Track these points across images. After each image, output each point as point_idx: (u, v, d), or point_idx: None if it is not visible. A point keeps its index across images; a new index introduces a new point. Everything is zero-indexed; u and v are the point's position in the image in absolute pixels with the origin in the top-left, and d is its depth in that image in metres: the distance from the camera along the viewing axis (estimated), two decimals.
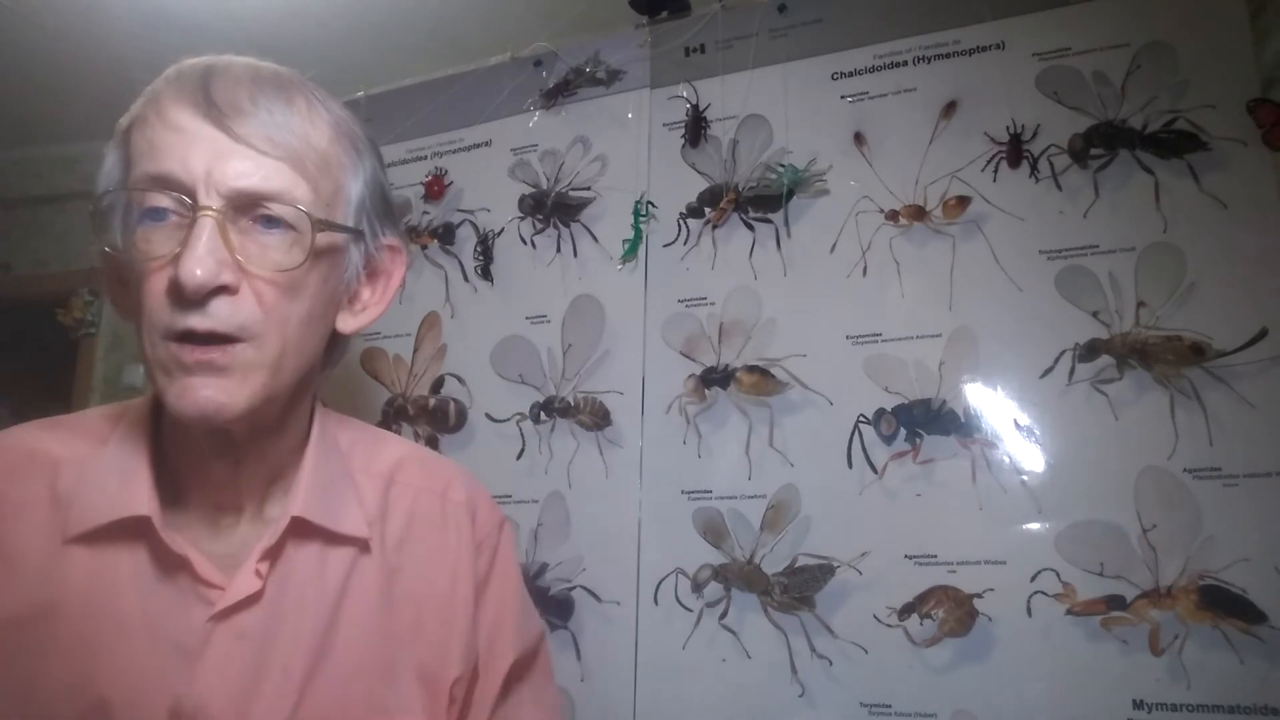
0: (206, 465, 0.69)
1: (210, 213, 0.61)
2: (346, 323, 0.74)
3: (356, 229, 0.71)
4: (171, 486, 0.70)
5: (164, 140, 0.63)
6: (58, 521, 0.66)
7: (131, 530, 0.66)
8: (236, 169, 0.63)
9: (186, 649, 0.64)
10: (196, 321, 0.61)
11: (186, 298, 0.61)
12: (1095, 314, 1.00)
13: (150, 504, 0.66)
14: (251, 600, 0.67)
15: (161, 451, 0.71)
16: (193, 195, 0.62)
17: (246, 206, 0.63)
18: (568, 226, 1.32)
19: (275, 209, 0.64)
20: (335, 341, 0.76)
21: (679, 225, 1.25)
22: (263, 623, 0.67)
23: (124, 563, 0.66)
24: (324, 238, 0.66)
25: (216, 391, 0.62)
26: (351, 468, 0.76)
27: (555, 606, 1.18)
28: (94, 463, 0.69)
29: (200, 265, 0.60)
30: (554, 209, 1.33)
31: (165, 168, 0.62)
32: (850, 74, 1.19)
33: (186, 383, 0.62)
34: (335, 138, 0.69)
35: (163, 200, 0.63)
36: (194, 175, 0.62)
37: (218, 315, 0.62)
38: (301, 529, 0.70)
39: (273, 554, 0.69)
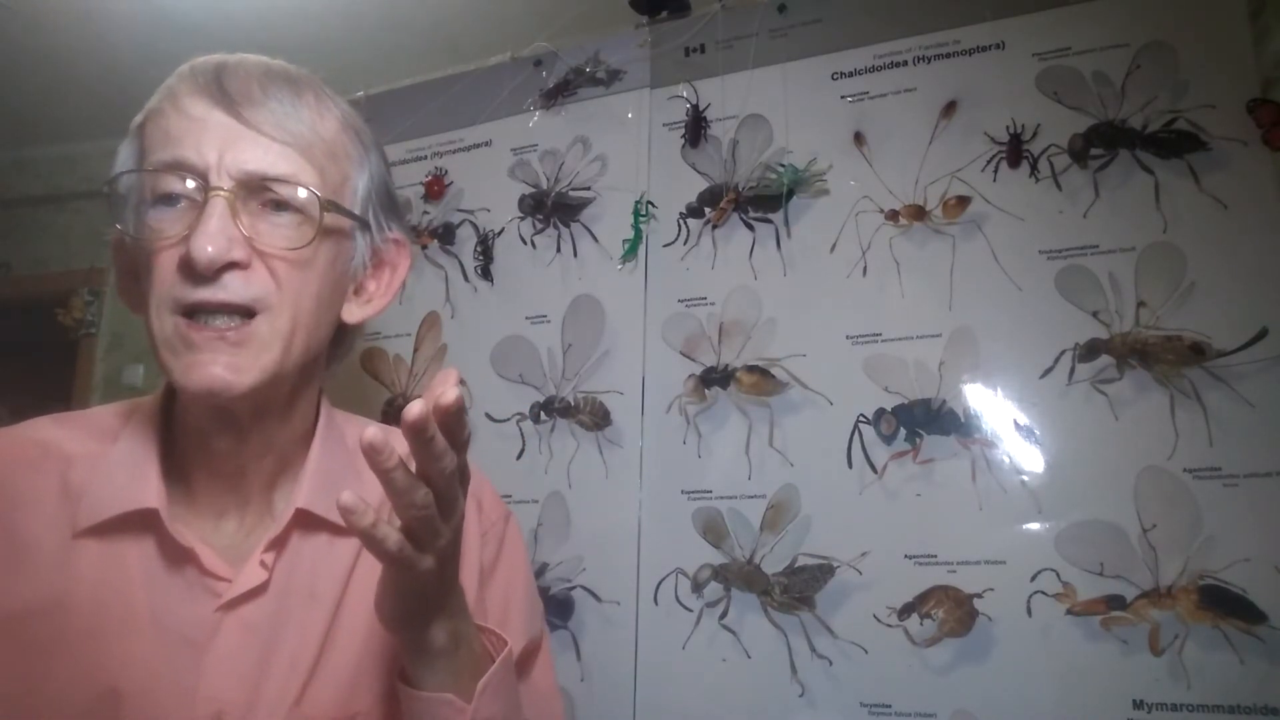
0: (211, 447, 0.70)
1: (221, 193, 0.64)
2: (353, 313, 0.75)
3: (362, 218, 0.73)
4: (180, 481, 0.71)
5: (178, 128, 0.66)
6: (68, 515, 0.67)
7: (140, 523, 0.67)
8: (248, 154, 0.65)
9: (195, 640, 0.65)
10: (209, 294, 0.63)
11: (199, 273, 0.63)
12: (1095, 314, 1.00)
13: (158, 497, 0.67)
14: (258, 591, 0.68)
15: (171, 447, 0.72)
16: (205, 177, 0.64)
17: (256, 189, 0.66)
18: (568, 226, 1.32)
19: (283, 191, 0.66)
20: (342, 335, 0.78)
21: (679, 225, 1.25)
22: (269, 613, 0.68)
23: (133, 555, 0.67)
24: (331, 220, 0.69)
25: (224, 369, 0.64)
26: (357, 461, 0.77)
27: (555, 606, 1.18)
28: (104, 458, 0.70)
29: (211, 241, 0.62)
30: (554, 209, 1.33)
31: (179, 153, 0.65)
32: (850, 74, 1.19)
33: (194, 359, 0.64)
34: (342, 130, 0.72)
35: (176, 185, 0.65)
36: (206, 159, 0.64)
37: (231, 288, 0.64)
38: (307, 521, 0.71)
39: (278, 545, 0.70)
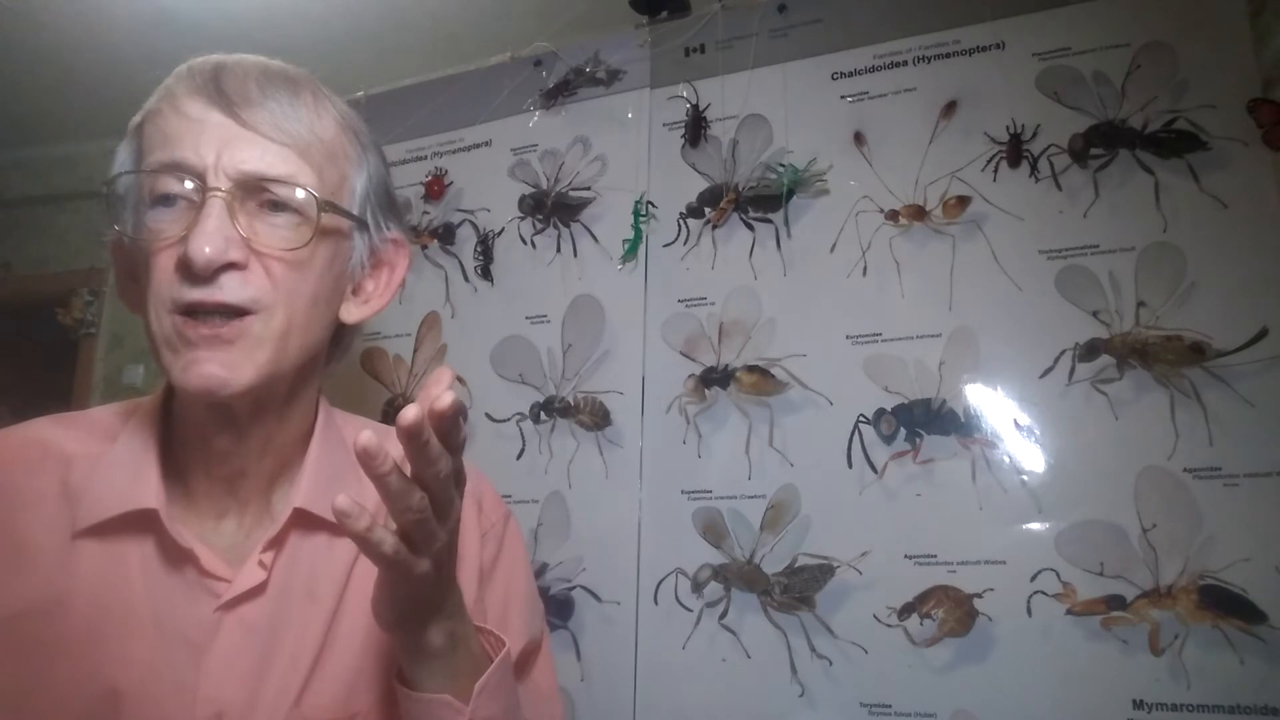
0: (210, 447, 0.70)
1: (219, 194, 0.64)
2: (351, 313, 0.75)
3: (360, 218, 0.73)
4: (180, 481, 0.71)
5: (176, 128, 0.66)
6: (67, 515, 0.67)
7: (139, 523, 0.67)
8: (245, 154, 0.65)
9: (194, 640, 0.66)
10: (206, 295, 0.63)
11: (196, 273, 0.63)
12: (1095, 314, 1.00)
13: (158, 497, 0.67)
14: (256, 591, 0.68)
15: (170, 447, 0.72)
16: (203, 178, 0.64)
17: (254, 190, 0.66)
18: (568, 226, 1.32)
19: (281, 192, 0.67)
20: (340, 335, 0.78)
21: (679, 225, 1.25)
22: (268, 613, 0.68)
23: (132, 555, 0.67)
24: (329, 220, 0.69)
25: (220, 366, 0.64)
26: (357, 461, 0.77)
27: (555, 606, 1.18)
28: (104, 458, 0.70)
29: (209, 242, 0.62)
30: (554, 209, 1.33)
31: (177, 154, 0.65)
32: (850, 74, 1.19)
33: (192, 356, 0.64)
34: (340, 130, 0.72)
35: (174, 186, 0.65)
36: (204, 160, 0.65)
37: (227, 288, 0.64)
38: (305, 521, 0.71)
39: (276, 545, 0.70)
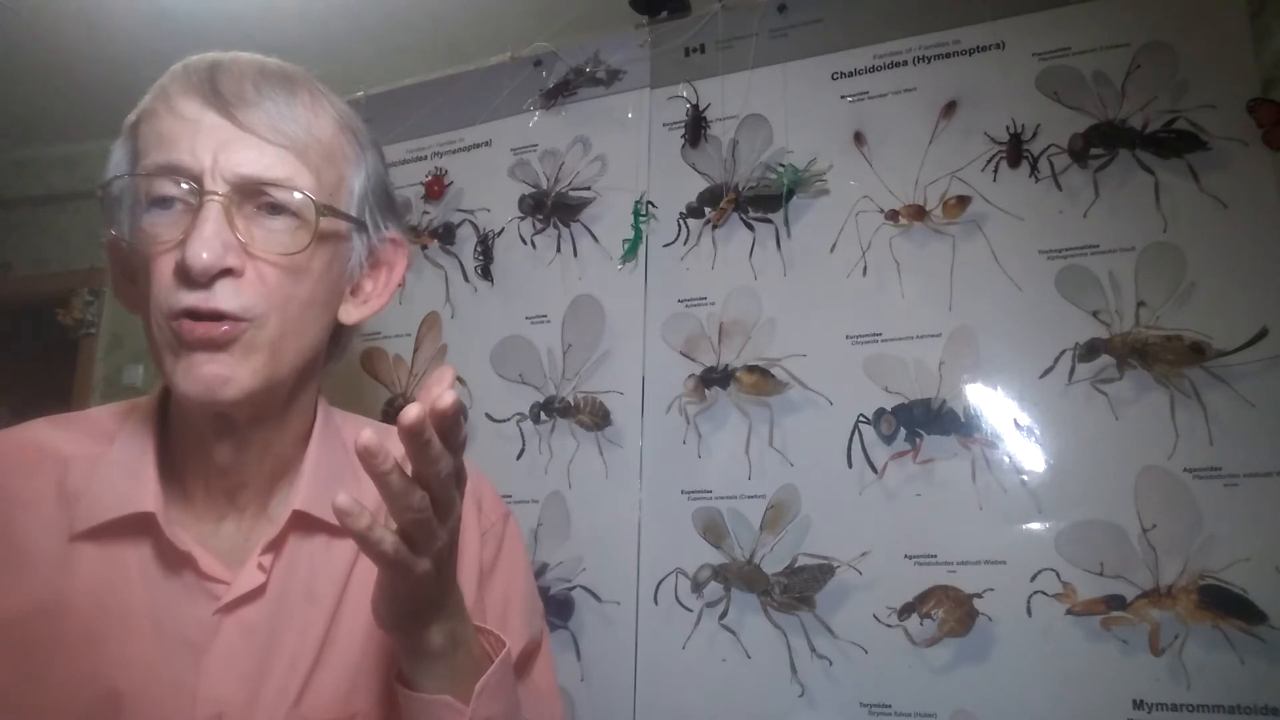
0: (209, 450, 0.70)
1: (216, 198, 0.63)
2: (349, 314, 0.75)
3: (359, 219, 0.73)
4: (177, 483, 0.71)
5: (172, 130, 0.65)
6: (64, 518, 0.67)
7: (137, 526, 0.67)
8: (242, 156, 0.64)
9: (194, 642, 0.65)
10: (201, 301, 0.63)
11: (193, 279, 0.62)
12: (1095, 314, 1.00)
13: (155, 501, 0.67)
14: (256, 594, 0.68)
15: (168, 449, 0.72)
16: (199, 181, 0.64)
17: (252, 193, 0.65)
18: (568, 226, 1.32)
19: (279, 195, 0.66)
20: (339, 335, 0.77)
21: (679, 225, 1.25)
22: (268, 615, 0.68)
23: (130, 558, 0.67)
24: (327, 223, 0.68)
25: (220, 366, 0.64)
26: (355, 462, 0.77)
27: (555, 606, 1.18)
28: (101, 460, 0.69)
29: (206, 248, 0.62)
30: (554, 209, 1.33)
31: (173, 157, 0.64)
32: (850, 74, 1.19)
33: (191, 360, 0.64)
34: (338, 130, 0.72)
35: (170, 189, 0.64)
36: (201, 163, 0.64)
37: (221, 295, 0.63)
38: (304, 523, 0.71)
39: (275, 547, 0.70)
